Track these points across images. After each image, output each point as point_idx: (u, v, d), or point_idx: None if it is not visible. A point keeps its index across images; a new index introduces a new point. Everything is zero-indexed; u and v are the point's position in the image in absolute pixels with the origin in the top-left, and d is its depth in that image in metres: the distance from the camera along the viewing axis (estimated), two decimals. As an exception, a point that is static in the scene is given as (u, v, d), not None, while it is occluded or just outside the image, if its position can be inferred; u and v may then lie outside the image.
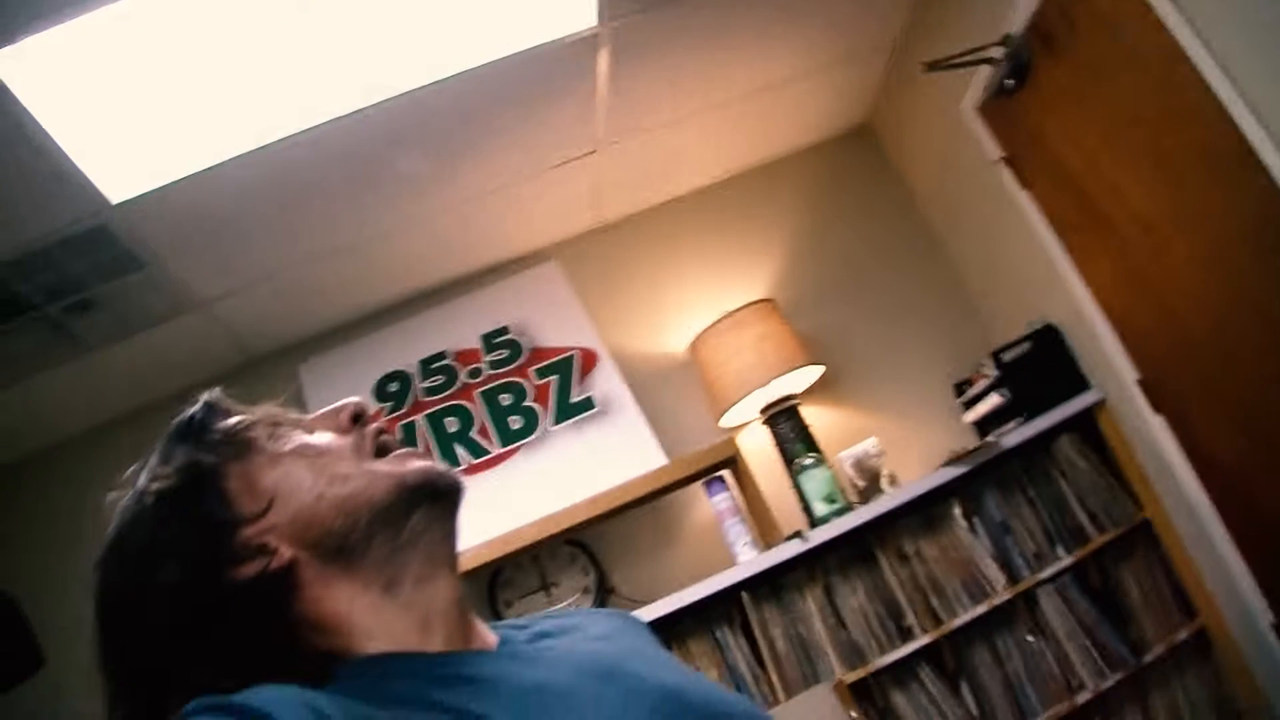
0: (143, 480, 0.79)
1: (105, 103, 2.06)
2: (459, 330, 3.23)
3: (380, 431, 0.84)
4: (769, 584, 2.59)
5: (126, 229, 2.42)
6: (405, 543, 0.78)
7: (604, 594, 2.94)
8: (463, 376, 3.12)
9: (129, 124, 2.14)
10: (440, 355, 3.18)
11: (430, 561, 0.79)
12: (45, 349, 2.78)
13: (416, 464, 0.81)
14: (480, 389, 3.09)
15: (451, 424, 3.04)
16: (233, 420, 0.81)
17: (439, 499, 0.81)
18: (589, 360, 3.12)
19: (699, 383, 3.15)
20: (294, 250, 2.85)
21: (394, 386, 3.13)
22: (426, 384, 3.13)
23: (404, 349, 3.21)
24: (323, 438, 0.82)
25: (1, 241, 2.32)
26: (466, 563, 2.66)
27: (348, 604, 0.75)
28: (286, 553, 0.74)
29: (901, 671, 2.52)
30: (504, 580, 2.96)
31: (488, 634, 0.83)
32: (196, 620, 0.72)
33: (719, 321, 3.06)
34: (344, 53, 2.20)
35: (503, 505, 2.82)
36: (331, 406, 0.86)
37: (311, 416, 0.86)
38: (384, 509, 0.77)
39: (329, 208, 2.73)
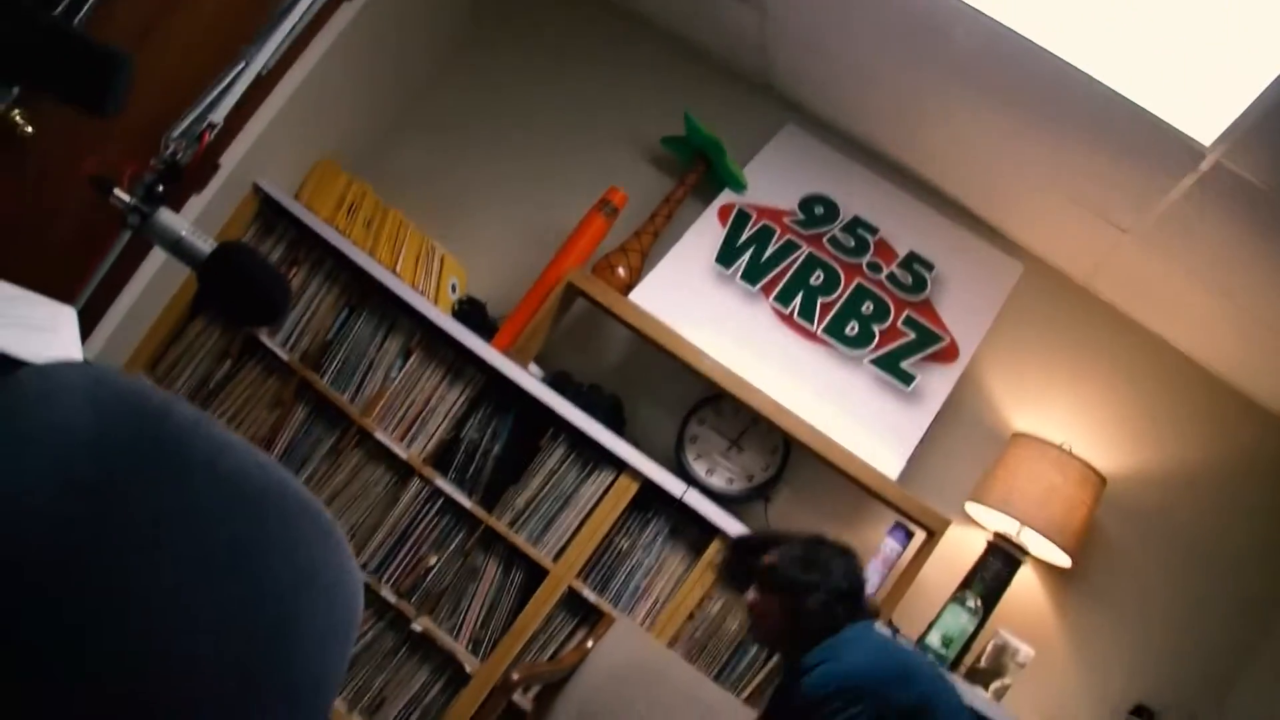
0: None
1: None
2: (908, 231, 3.25)
3: None
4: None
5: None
6: None
7: (761, 489, 3.11)
8: (867, 258, 3.19)
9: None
10: (874, 229, 3.24)
11: None
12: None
13: None
14: (864, 281, 3.16)
15: (817, 278, 3.16)
16: None
17: None
18: (949, 354, 3.08)
19: (986, 461, 3.05)
20: (874, 53, 2.92)
21: (819, 210, 3.26)
22: (842, 234, 3.22)
23: (860, 196, 3.29)
24: None
25: None
26: (705, 367, 2.92)
27: None
28: None
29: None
30: (706, 413, 3.20)
31: None
32: None
33: (1053, 447, 2.90)
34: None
35: (766, 361, 3.00)
36: None
37: None
38: None
39: (936, 70, 2.77)
